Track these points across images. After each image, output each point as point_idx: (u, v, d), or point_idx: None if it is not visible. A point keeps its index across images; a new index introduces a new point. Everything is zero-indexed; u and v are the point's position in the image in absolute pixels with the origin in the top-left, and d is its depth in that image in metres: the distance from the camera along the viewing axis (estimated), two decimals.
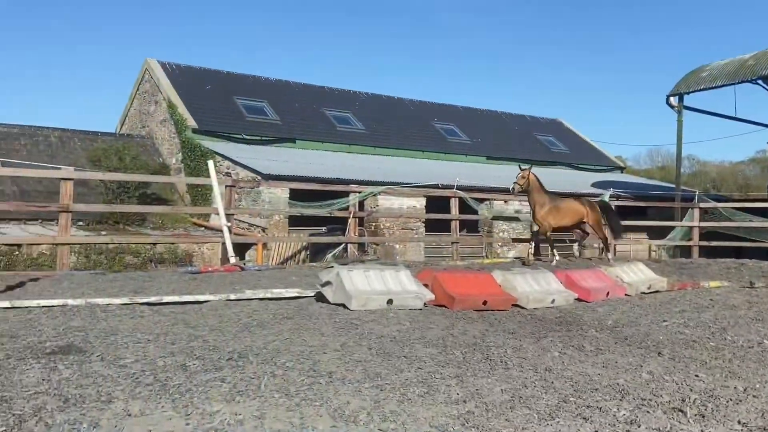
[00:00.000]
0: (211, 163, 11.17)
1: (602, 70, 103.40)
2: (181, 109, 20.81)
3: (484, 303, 6.81)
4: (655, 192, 24.20)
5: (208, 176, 11.10)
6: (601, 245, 13.24)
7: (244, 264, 11.51)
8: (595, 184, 23.92)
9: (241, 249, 14.14)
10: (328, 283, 6.87)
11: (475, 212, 14.69)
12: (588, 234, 12.62)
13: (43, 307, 5.86)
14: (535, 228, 12.06)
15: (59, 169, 10.62)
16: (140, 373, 3.68)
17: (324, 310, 6.28)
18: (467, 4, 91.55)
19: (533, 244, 13.00)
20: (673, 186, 23.07)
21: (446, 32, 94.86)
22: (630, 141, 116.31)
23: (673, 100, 20.71)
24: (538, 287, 7.53)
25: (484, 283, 7.43)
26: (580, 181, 25.02)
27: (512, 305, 7.03)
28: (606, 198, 16.12)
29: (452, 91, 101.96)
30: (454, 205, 13.80)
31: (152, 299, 6.54)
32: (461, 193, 13.98)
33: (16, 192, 17.30)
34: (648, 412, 3.33)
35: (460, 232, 14.27)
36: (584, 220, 12.04)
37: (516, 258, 13.75)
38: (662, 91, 23.63)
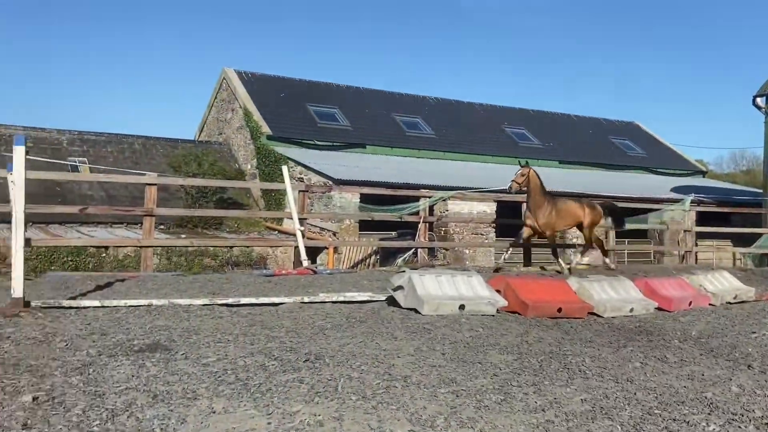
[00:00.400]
0: (285, 168, 11.43)
1: (681, 70, 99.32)
2: (256, 116, 21.41)
3: (559, 310, 6.66)
4: (740, 197, 22.99)
5: (282, 181, 11.35)
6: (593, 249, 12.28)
7: (316, 267, 11.69)
8: (674, 189, 22.95)
9: (312, 252, 14.38)
10: (399, 287, 6.90)
11: None
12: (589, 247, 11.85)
13: (130, 306, 6.15)
14: (525, 233, 11.10)
15: (144, 174, 11.12)
16: (222, 372, 3.80)
17: (396, 314, 6.31)
18: (538, 4, 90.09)
19: (518, 249, 12.12)
20: (760, 191, 21.86)
21: (517, 35, 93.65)
22: (711, 144, 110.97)
23: (760, 101, 19.63)
24: (616, 295, 7.30)
25: (559, 289, 7.27)
26: (658, 186, 24.07)
27: (588, 313, 6.84)
28: (687, 204, 15.44)
29: (523, 95, 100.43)
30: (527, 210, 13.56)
31: (230, 301, 6.75)
32: None
33: (104, 196, 18.26)
34: (739, 427, 3.17)
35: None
36: (581, 222, 11.29)
37: (588, 264, 13.34)
38: (746, 91, 22.50)
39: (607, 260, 11.96)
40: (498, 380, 3.88)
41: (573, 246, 14.34)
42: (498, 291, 7.00)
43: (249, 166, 21.71)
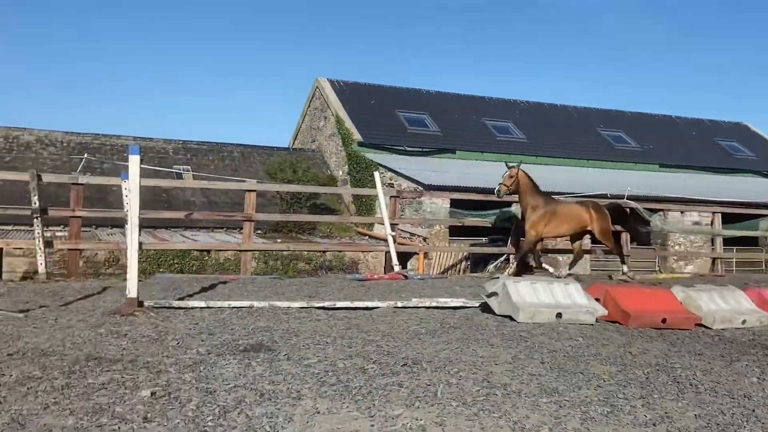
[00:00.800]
0: (377, 174, 11.58)
1: None
2: (348, 123, 21.83)
3: (663, 321, 6.35)
4: None
5: (373, 187, 11.50)
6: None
7: (407, 272, 11.74)
8: None
9: (403, 258, 14.47)
10: (493, 294, 6.82)
11: (648, 223, 13.73)
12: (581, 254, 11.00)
13: (233, 307, 6.42)
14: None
15: (244, 181, 11.60)
16: (324, 373, 3.90)
17: (491, 321, 6.24)
18: (632, 3, 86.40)
19: (518, 258, 10.87)
20: None
21: (611, 35, 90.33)
22: None
23: None
24: (726, 306, 6.88)
25: (663, 299, 6.93)
26: None
27: (695, 324, 6.49)
28: None
29: (620, 97, 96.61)
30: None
31: (326, 304, 6.91)
32: (632, 203, 13.17)
33: (205, 202, 19.18)
34: None
35: (630, 244, 13.43)
36: (588, 228, 10.39)
37: (695, 274, 12.58)
38: None
39: (625, 268, 11.11)
40: (602, 392, 3.76)
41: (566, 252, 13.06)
42: (597, 299, 6.78)
43: (340, 173, 22.15)
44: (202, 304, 6.51)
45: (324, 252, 14.96)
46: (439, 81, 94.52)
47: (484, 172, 20.30)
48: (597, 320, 6.40)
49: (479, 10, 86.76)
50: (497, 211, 12.44)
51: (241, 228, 15.58)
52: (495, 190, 10.27)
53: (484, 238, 16.08)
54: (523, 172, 10.17)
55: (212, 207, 18.68)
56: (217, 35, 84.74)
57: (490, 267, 13.61)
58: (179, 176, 19.61)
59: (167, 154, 21.04)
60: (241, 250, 10.97)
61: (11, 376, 3.53)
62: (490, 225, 12.70)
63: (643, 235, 11.78)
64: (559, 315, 6.29)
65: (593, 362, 4.59)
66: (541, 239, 10.51)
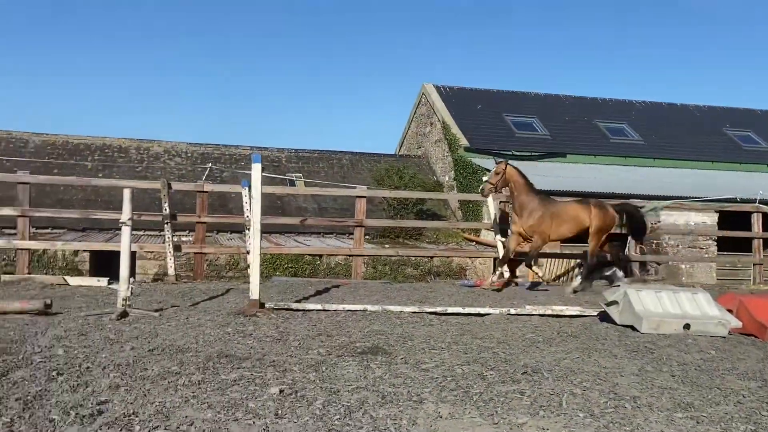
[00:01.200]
0: (485, 179, 11.46)
1: None
2: (454, 129, 21.77)
3: None
4: None
5: (479, 192, 11.38)
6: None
7: (517, 279, 11.51)
8: None
9: (511, 264, 14.21)
10: (613, 302, 6.54)
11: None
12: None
13: (348, 310, 6.57)
14: (512, 243, 9.43)
15: (354, 188, 11.85)
16: (442, 378, 3.89)
17: (611, 331, 5.99)
18: None
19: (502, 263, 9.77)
20: None
21: (736, 28, 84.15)
22: None
23: None
24: None
25: None
26: None
27: None
28: None
29: (749, 95, 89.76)
30: (757, 221, 12.11)
31: (438, 309, 6.91)
32: (765, 208, 12.20)
33: (316, 209, 19.80)
34: None
35: (764, 251, 12.45)
36: (586, 228, 9.31)
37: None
38: None
39: (619, 273, 10.06)
40: (744, 408, 3.49)
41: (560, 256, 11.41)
42: (729, 310, 6.33)
43: (447, 178, 22.11)
44: (318, 306, 6.72)
45: (432, 257, 14.98)
46: (547, 84, 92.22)
47: (597, 175, 19.59)
48: (729, 333, 5.98)
49: (589, 4, 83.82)
50: None
51: (350, 233, 15.96)
52: (479, 189, 9.60)
53: None
54: (513, 167, 9.32)
55: (323, 213, 19.24)
56: (324, 47, 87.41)
57: (606, 274, 13.06)
58: (292, 183, 20.37)
59: (281, 163, 21.92)
60: (352, 255, 11.21)
61: (153, 370, 3.80)
62: None
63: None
64: (686, 326, 5.93)
65: (729, 377, 4.28)
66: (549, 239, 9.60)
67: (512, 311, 6.91)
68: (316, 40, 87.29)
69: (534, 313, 6.91)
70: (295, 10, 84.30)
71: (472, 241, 17.98)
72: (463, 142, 21.16)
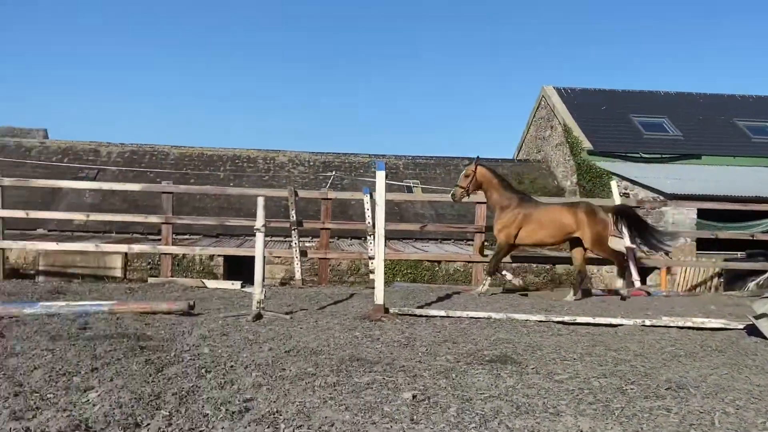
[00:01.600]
0: (613, 183, 11.02)
1: None
2: (576, 131, 21.04)
3: None
4: None
5: (605, 197, 10.91)
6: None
7: (649, 289, 10.92)
8: None
9: (641, 273, 13.48)
10: (763, 315, 6.00)
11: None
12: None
13: (471, 318, 6.50)
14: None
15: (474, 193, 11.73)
16: (578, 390, 3.75)
17: (761, 346, 5.50)
18: None
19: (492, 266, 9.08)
20: None
21: None
22: None
23: None
24: None
25: None
26: None
27: None
28: None
29: None
30: None
31: (566, 318, 6.67)
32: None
33: (433, 215, 19.84)
34: None
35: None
36: (576, 235, 8.54)
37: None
38: None
39: (618, 283, 9.09)
40: None
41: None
42: None
43: (568, 183, 21.39)
44: (442, 313, 6.70)
45: (553, 264, 14.53)
46: (676, 82, 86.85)
47: (737, 177, 18.16)
48: None
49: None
50: (760, 221, 11.00)
51: (468, 239, 15.82)
52: (450, 194, 9.19)
53: (739, 253, 14.30)
54: (484, 167, 8.89)
55: (440, 219, 19.24)
56: (439, 54, 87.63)
57: (751, 285, 12.04)
58: (409, 190, 20.56)
59: (398, 170, 22.19)
60: (471, 262, 11.12)
61: (291, 370, 3.96)
62: (751, 237, 11.26)
63: (656, 244, 9.32)
64: None
65: None
66: (515, 246, 9.00)
67: (647, 322, 6.53)
68: (429, 43, 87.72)
69: (672, 324, 6.49)
70: (410, 14, 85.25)
71: None
72: (586, 144, 20.40)
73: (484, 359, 4.57)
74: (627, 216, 9.20)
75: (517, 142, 27.34)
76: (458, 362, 4.44)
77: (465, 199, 9.25)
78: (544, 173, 22.46)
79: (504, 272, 9.30)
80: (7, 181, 9.87)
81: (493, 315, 6.67)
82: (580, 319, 6.67)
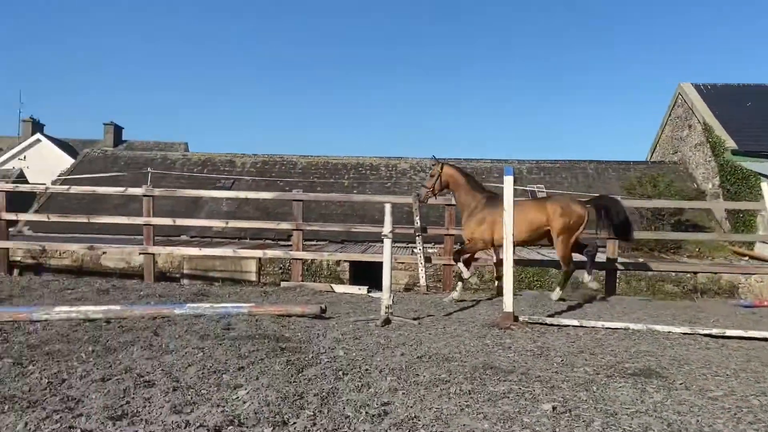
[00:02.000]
0: (765, 185, 10.05)
1: None
2: (718, 130, 19.51)
3: None
4: None
5: (752, 199, 10.01)
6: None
7: None
8: None
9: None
10: None
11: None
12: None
13: (607, 328, 6.21)
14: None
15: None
16: (736, 409, 3.45)
17: None
18: None
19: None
20: None
21: None
22: None
23: None
24: None
25: None
26: None
27: None
28: None
29: None
30: None
31: (714, 331, 6.20)
32: None
33: None
34: None
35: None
36: (546, 228, 8.12)
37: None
38: None
39: (587, 278, 8.56)
40: None
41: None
42: None
43: (710, 185, 19.86)
44: (575, 322, 6.45)
45: (695, 273, 13.52)
46: None
47: None
48: None
49: None
50: None
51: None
52: (415, 195, 9.06)
53: None
54: (450, 167, 8.56)
55: None
56: (564, 56, 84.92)
57: None
58: (534, 195, 20.01)
59: (521, 174, 21.69)
60: (604, 269, 10.62)
61: (424, 376, 3.96)
62: None
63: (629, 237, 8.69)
64: None
65: None
66: (494, 247, 8.51)
67: None
68: (552, 43, 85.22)
69: None
70: (525, 7, 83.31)
71: (744, 255, 15.87)
72: (730, 144, 18.84)
73: (626, 372, 4.33)
74: (604, 207, 8.57)
75: (650, 143, 25.85)
76: (598, 374, 4.24)
77: (431, 201, 9.00)
78: (681, 175, 21.01)
79: (459, 264, 8.64)
80: (157, 191, 10.73)
81: (631, 326, 6.33)
82: (729, 332, 6.18)
